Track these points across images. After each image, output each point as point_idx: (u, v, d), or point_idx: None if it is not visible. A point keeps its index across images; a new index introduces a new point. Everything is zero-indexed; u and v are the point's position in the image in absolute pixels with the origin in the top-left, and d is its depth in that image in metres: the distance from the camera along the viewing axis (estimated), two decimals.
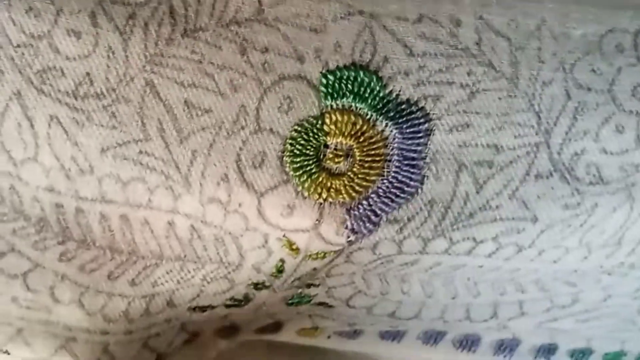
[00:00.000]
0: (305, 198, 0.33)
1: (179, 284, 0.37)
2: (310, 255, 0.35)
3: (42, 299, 0.36)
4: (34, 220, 0.34)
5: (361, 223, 0.34)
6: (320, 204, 0.33)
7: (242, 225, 0.34)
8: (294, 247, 0.34)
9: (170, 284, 0.37)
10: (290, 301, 0.41)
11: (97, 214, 0.34)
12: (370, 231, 0.35)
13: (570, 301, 0.43)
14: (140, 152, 0.32)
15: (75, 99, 0.32)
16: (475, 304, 0.42)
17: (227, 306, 0.39)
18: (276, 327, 0.45)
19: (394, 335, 0.45)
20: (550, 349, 0.46)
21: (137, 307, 0.37)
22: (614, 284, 0.41)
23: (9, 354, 0.36)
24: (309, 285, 0.39)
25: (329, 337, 0.45)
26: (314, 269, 0.36)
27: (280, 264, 0.36)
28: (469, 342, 0.45)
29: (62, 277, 0.35)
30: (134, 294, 0.37)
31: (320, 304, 0.42)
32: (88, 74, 0.31)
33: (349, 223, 0.34)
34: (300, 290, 0.39)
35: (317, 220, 0.34)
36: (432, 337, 0.45)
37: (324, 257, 0.36)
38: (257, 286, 0.38)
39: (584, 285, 0.41)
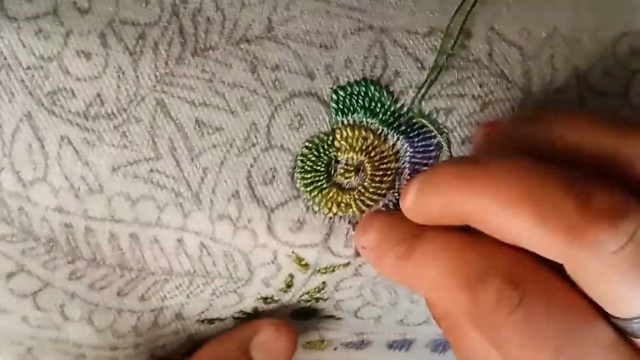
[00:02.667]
0: (315, 213, 0.36)
1: (188, 298, 0.39)
2: (319, 270, 0.37)
3: (52, 317, 0.38)
4: (44, 241, 0.36)
5: None
6: (331, 218, 0.36)
7: (252, 242, 0.36)
8: (303, 262, 0.37)
9: (180, 297, 0.39)
10: (298, 315, 0.43)
11: (107, 233, 0.36)
12: None
13: None
14: (151, 170, 0.35)
15: (86, 119, 0.34)
16: None
17: (236, 319, 0.42)
18: None
19: (402, 344, 0.47)
20: None
21: (146, 320, 0.40)
22: None
23: None
24: (317, 300, 0.41)
25: (335, 349, 0.48)
26: (323, 282, 0.39)
27: (290, 278, 0.38)
28: None
29: (72, 295, 0.38)
30: (143, 308, 0.39)
31: (329, 317, 0.44)
32: (99, 94, 0.34)
33: None
34: (308, 304, 0.42)
35: (326, 234, 0.36)
36: (441, 345, 0.48)
37: (333, 270, 0.38)
38: (266, 300, 0.40)
39: None
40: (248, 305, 0.40)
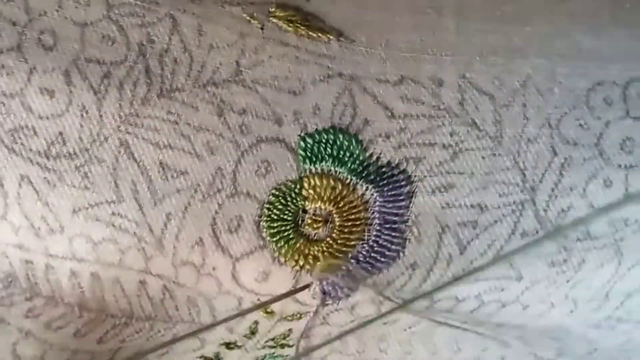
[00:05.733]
0: (281, 265, 0.36)
1: (147, 341, 0.40)
2: (285, 317, 0.38)
3: (2, 355, 0.38)
4: (2, 276, 0.36)
5: (338, 288, 0.37)
6: (297, 271, 0.36)
7: (216, 288, 0.37)
8: (268, 310, 0.37)
9: (139, 340, 0.40)
10: None
11: (67, 271, 0.37)
12: (347, 295, 0.38)
13: (554, 355, 0.46)
14: (113, 213, 0.35)
15: (47, 158, 0.34)
16: (456, 359, 0.45)
17: None
18: None
19: None
20: None
21: (101, 358, 0.40)
22: (600, 338, 0.45)
23: None
24: (282, 346, 0.42)
25: None
26: (289, 329, 0.39)
27: (254, 325, 0.39)
28: None
29: (26, 333, 0.38)
30: (99, 349, 0.40)
31: None
32: (61, 133, 0.34)
33: (325, 288, 0.37)
34: (273, 351, 0.42)
35: (293, 286, 0.37)
36: None
37: (299, 318, 0.39)
38: (229, 346, 0.41)
39: (569, 339, 0.45)
40: (210, 350, 0.41)
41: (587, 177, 0.38)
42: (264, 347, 0.41)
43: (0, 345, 0.38)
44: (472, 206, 0.37)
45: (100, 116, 0.34)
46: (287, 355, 0.43)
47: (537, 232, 0.38)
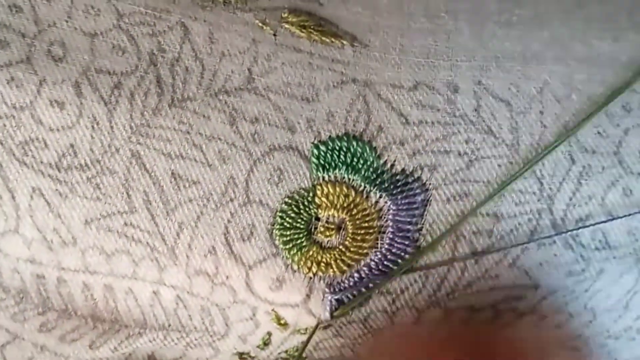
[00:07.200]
0: (295, 272, 0.36)
1: (161, 349, 0.39)
2: (299, 330, 0.38)
3: None
4: (14, 292, 0.36)
5: (351, 296, 0.37)
6: (310, 278, 0.36)
7: (230, 297, 0.36)
8: (282, 321, 0.37)
9: (153, 347, 0.39)
10: None
11: (80, 283, 0.36)
12: (360, 304, 0.37)
13: None
14: (125, 224, 0.35)
15: (59, 170, 0.34)
16: None
17: None
18: None
19: None
20: None
21: None
22: (620, 349, 0.44)
23: None
24: (295, 358, 0.41)
25: None
26: (302, 342, 0.39)
27: (267, 336, 0.38)
28: None
29: (41, 348, 0.38)
30: (114, 356, 0.39)
31: None
32: (72, 145, 0.34)
33: (338, 298, 0.36)
34: None
35: (306, 294, 0.36)
36: None
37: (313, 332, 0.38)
38: (242, 356, 0.40)
39: (588, 350, 0.44)
40: (223, 359, 0.40)
41: (606, 185, 0.37)
42: (277, 359, 0.40)
43: None
44: (487, 215, 0.36)
45: (111, 127, 0.34)
46: None
47: (554, 241, 0.37)
